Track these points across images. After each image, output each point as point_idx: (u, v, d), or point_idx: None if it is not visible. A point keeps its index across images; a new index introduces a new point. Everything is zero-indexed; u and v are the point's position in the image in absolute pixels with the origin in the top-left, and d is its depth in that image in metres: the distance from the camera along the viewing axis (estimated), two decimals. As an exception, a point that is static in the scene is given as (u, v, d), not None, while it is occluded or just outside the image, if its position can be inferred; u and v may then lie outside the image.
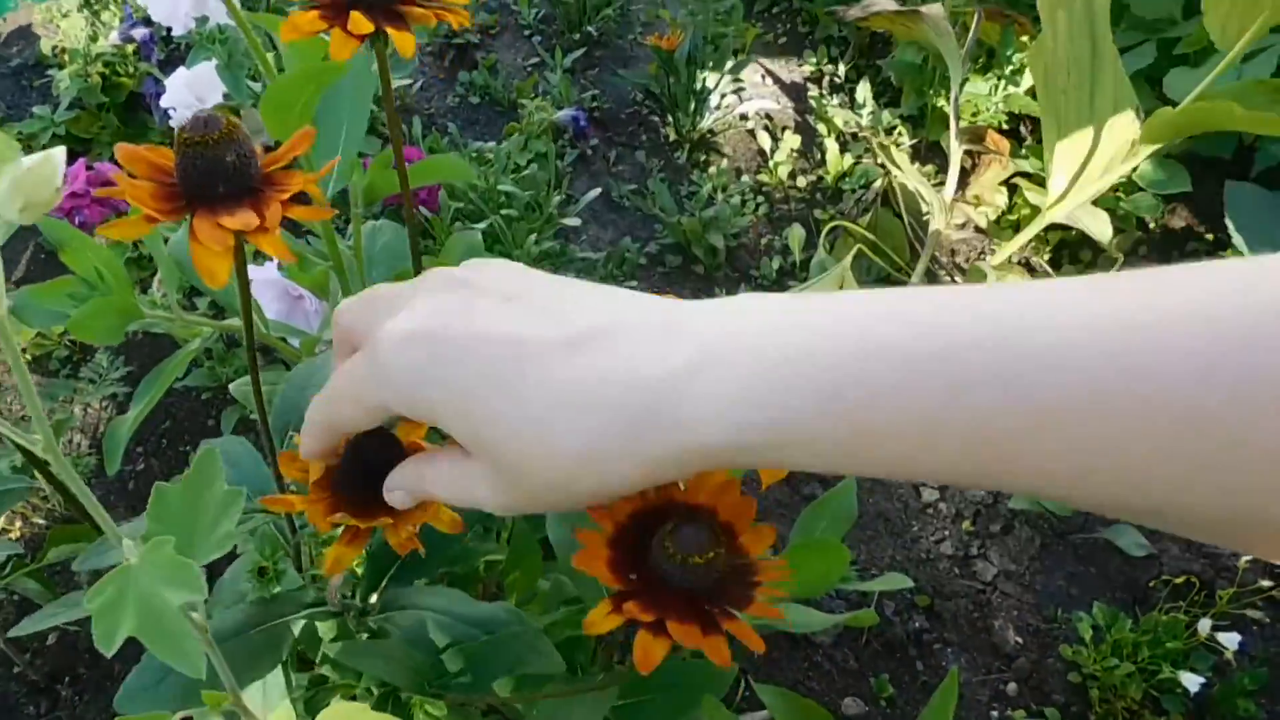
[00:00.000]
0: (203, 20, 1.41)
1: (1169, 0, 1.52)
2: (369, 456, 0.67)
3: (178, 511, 0.50)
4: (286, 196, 0.52)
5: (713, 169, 1.79)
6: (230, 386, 1.00)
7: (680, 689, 0.82)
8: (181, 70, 1.48)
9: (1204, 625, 1.07)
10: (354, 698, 0.78)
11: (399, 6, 0.59)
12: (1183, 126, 1.05)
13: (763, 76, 2.01)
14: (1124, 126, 1.17)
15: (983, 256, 1.68)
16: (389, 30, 0.57)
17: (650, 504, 0.52)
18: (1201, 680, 1.04)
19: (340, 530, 0.65)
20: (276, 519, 0.80)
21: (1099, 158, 1.17)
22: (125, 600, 0.47)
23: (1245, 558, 1.17)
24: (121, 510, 1.34)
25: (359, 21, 0.55)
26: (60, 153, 0.38)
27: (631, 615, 0.45)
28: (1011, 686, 1.19)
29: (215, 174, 0.49)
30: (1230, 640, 1.05)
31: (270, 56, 0.87)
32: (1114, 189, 1.56)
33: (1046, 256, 1.64)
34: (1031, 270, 1.61)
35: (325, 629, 0.82)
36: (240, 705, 0.65)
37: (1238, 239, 1.31)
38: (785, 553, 0.82)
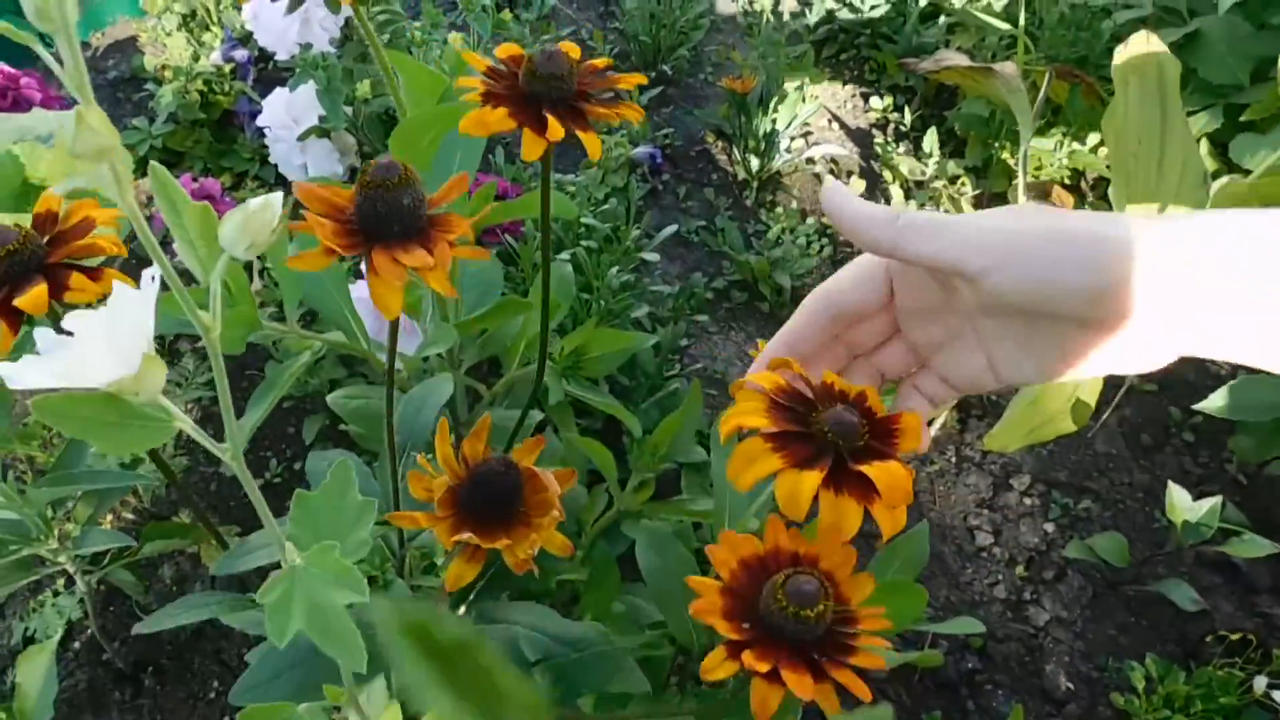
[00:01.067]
0: (308, 47, 1.48)
1: (1236, 66, 1.56)
2: (492, 481, 0.72)
3: (318, 517, 0.55)
4: (453, 238, 0.57)
5: (779, 209, 1.84)
6: (329, 398, 1.04)
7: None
8: (281, 92, 1.55)
9: (1259, 682, 1.10)
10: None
11: (581, 105, 0.61)
12: (1250, 199, 1.09)
13: (829, 121, 2.06)
14: (1192, 194, 1.21)
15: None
16: (579, 133, 0.60)
17: (759, 553, 0.56)
18: (1254, 735, 1.07)
19: (459, 548, 0.70)
20: (385, 533, 0.85)
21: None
22: (294, 598, 0.52)
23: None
24: (207, 511, 1.39)
25: (555, 128, 0.58)
26: (278, 198, 0.43)
27: (748, 665, 0.49)
28: (1061, 731, 1.23)
29: (393, 215, 0.54)
30: (1284, 698, 1.08)
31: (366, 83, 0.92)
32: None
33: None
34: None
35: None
36: (355, 703, 0.70)
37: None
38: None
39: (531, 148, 0.57)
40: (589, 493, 1.10)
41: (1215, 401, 1.28)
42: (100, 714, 1.19)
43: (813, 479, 0.44)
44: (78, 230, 0.67)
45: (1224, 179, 1.11)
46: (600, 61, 0.65)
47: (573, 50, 0.63)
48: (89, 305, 0.75)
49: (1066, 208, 1.56)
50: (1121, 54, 1.25)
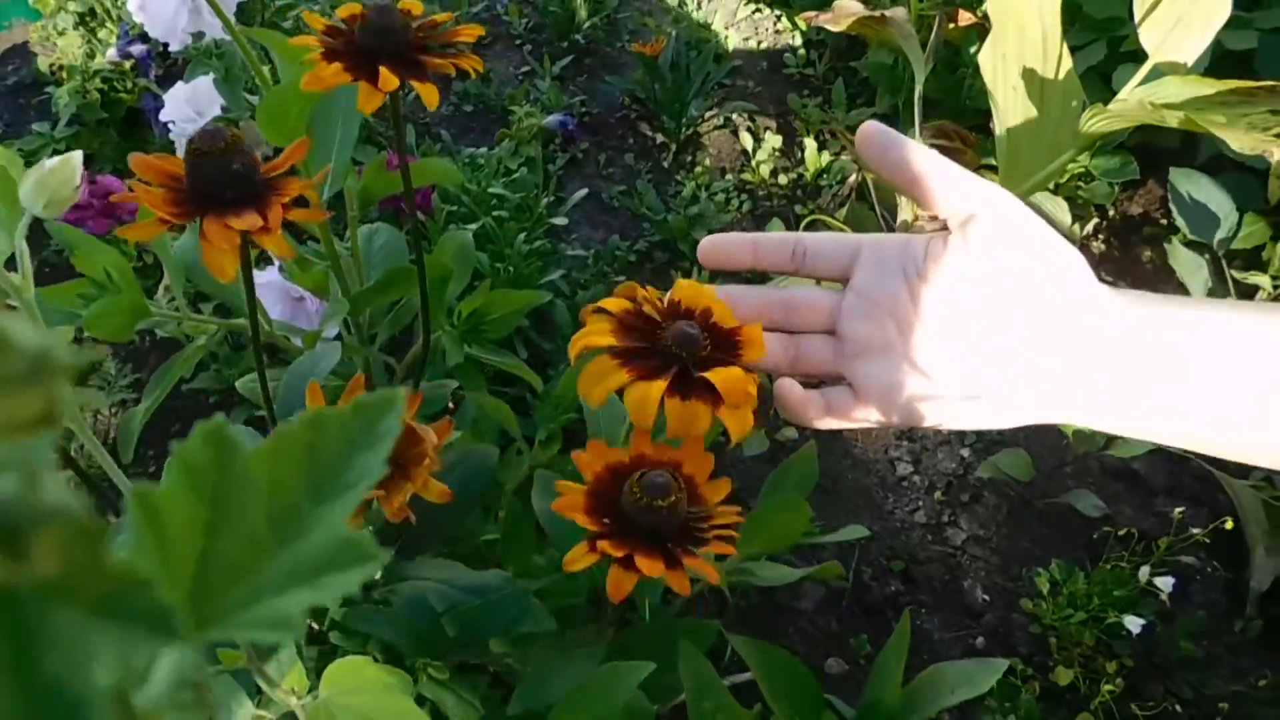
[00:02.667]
0: (199, 36, 1.48)
1: (1117, 1, 1.61)
2: None
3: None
4: (286, 200, 0.59)
5: (698, 169, 1.88)
6: (237, 384, 1.05)
7: (664, 648, 0.90)
8: (180, 85, 1.55)
9: (1143, 572, 1.16)
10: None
11: (419, 57, 0.65)
12: (1113, 124, 1.14)
13: (745, 81, 2.10)
14: (1069, 119, 1.26)
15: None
16: (415, 84, 0.63)
17: (623, 460, 0.59)
18: (1142, 622, 1.13)
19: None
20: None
21: (1046, 150, 1.26)
22: None
23: (1180, 509, 1.26)
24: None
25: (387, 79, 0.60)
26: (78, 155, 0.46)
27: (604, 551, 0.53)
28: (980, 641, 1.28)
29: (222, 180, 0.56)
30: (1165, 584, 1.14)
31: (266, 70, 0.94)
32: (1074, 178, 1.65)
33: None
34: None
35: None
36: (260, 670, 0.74)
37: (1180, 222, 1.41)
38: (753, 514, 0.91)
39: (367, 100, 0.60)
40: (504, 456, 1.14)
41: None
42: None
43: (658, 388, 0.49)
44: None
45: (1091, 108, 1.15)
46: (440, 17, 0.67)
47: (414, 6, 0.65)
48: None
49: (969, 146, 1.61)
50: (998, -12, 1.30)
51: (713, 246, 0.56)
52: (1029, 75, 1.26)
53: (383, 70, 0.60)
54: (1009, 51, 1.26)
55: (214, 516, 0.17)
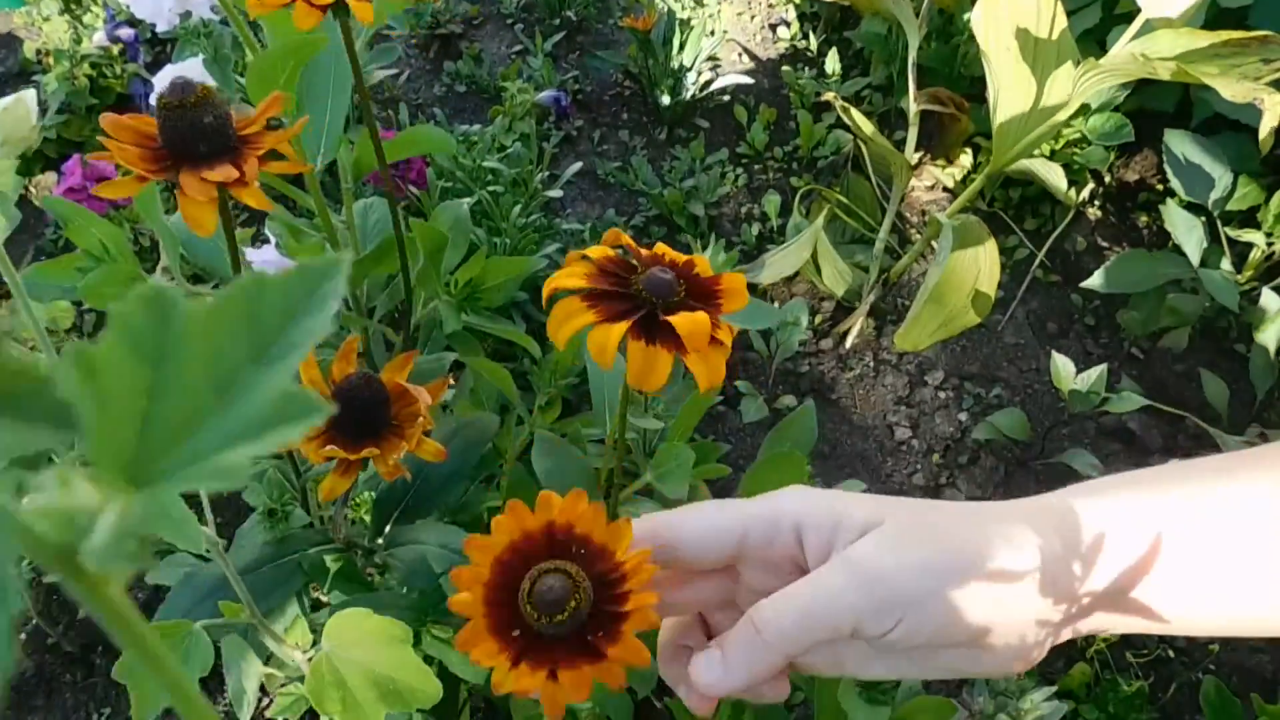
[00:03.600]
0: (186, 16, 1.49)
1: (1112, -38, 1.61)
2: (354, 396, 0.76)
3: None
4: (261, 152, 0.60)
5: (693, 143, 1.88)
6: None
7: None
8: (169, 66, 1.56)
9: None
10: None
11: None
12: (1105, 79, 1.14)
13: (739, 54, 2.09)
14: (1062, 79, 1.25)
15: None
16: (347, 1, 0.66)
17: (529, 531, 0.48)
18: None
19: (334, 464, 0.74)
20: (282, 465, 0.90)
21: (1039, 111, 1.26)
22: None
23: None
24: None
25: None
26: (31, 93, 0.46)
27: (525, 678, 0.44)
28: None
29: (196, 134, 0.57)
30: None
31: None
32: (1069, 144, 1.65)
33: (1011, 212, 1.73)
34: (998, 224, 1.70)
35: (332, 562, 0.90)
36: (262, 623, 0.75)
37: (1175, 184, 1.40)
38: (752, 468, 0.92)
39: (303, 16, 0.64)
40: (505, 423, 1.14)
41: (1096, 279, 1.33)
42: (53, 698, 1.23)
43: (619, 329, 0.47)
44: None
45: (1084, 63, 1.15)
46: None
47: None
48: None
49: (963, 113, 1.61)
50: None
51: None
52: (1023, 36, 1.26)
53: None
54: (1002, 13, 1.26)
55: (155, 378, 0.17)
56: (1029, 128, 1.27)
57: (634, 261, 0.52)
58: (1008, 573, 0.42)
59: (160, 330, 0.17)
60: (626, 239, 0.53)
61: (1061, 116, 1.22)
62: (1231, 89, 0.94)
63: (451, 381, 1.23)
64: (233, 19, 0.85)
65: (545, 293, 0.50)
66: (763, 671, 0.43)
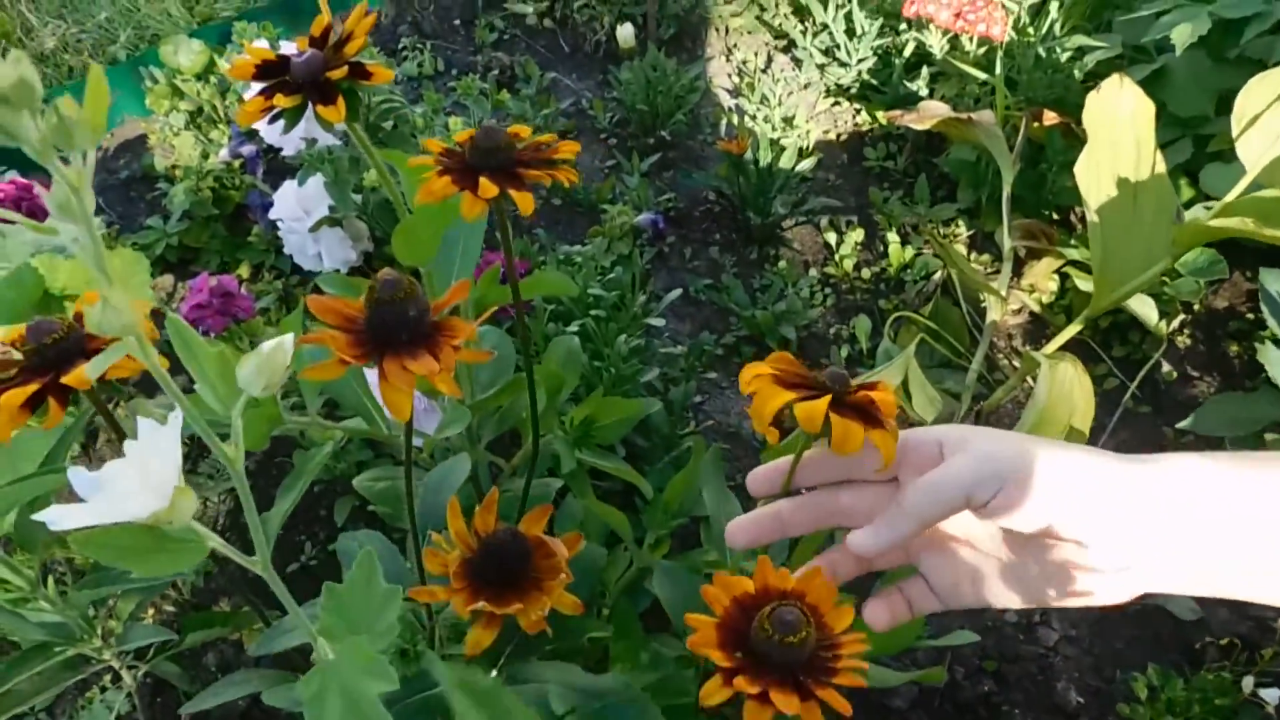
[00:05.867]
0: (313, 143, 1.56)
1: (1201, 99, 1.63)
2: (501, 551, 0.79)
3: (348, 606, 0.62)
4: (457, 343, 0.64)
5: (782, 263, 1.92)
6: (355, 482, 1.10)
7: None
8: (290, 185, 1.63)
9: (1248, 682, 1.16)
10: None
11: (518, 170, 0.72)
12: (1211, 235, 1.17)
13: (826, 172, 2.14)
14: (1165, 231, 1.28)
15: (1040, 340, 1.79)
16: (510, 192, 0.70)
17: (750, 591, 0.63)
18: (1248, 733, 1.13)
19: (477, 616, 0.77)
20: (415, 608, 0.93)
21: (1140, 256, 1.28)
22: (329, 691, 0.58)
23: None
24: (239, 598, 1.45)
25: (486, 187, 0.69)
26: (290, 339, 0.50)
27: (740, 688, 0.56)
28: (1076, 744, 1.29)
29: (400, 325, 0.61)
30: (1271, 695, 1.14)
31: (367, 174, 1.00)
32: (1160, 275, 1.67)
33: (1098, 338, 1.74)
34: (1086, 352, 1.71)
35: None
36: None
37: (1272, 324, 1.41)
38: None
39: (469, 206, 0.68)
40: (610, 553, 1.17)
41: (1191, 421, 1.35)
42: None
43: (823, 402, 0.56)
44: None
45: (1188, 213, 1.18)
46: (545, 138, 0.74)
47: (523, 130, 0.74)
48: (125, 381, 0.82)
49: (1052, 246, 1.64)
50: (1094, 99, 1.33)
51: (740, 530, 0.65)
52: (1123, 183, 1.29)
53: (483, 180, 0.68)
54: (1103, 159, 1.29)
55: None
56: (1130, 273, 1.29)
57: (803, 370, 0.61)
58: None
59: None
60: (789, 357, 0.62)
61: (1163, 267, 1.24)
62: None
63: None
64: (378, 169, 0.90)
65: (745, 383, 0.60)
66: (902, 534, 0.57)
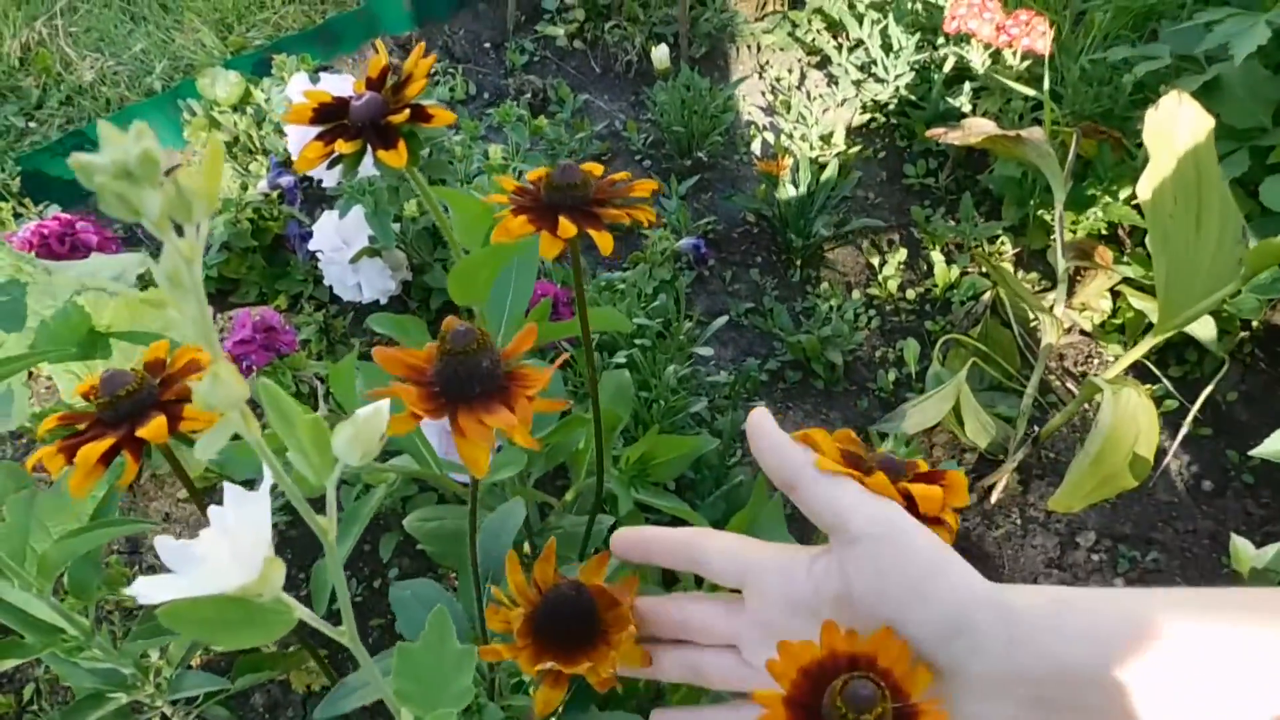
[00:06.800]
0: (353, 174, 1.54)
1: (1258, 110, 1.59)
2: (565, 606, 0.76)
3: (420, 668, 0.59)
4: (532, 393, 0.61)
5: (825, 284, 1.88)
6: (406, 523, 1.08)
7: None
8: (330, 215, 1.61)
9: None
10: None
11: (594, 209, 0.70)
12: (1282, 255, 1.13)
13: (866, 192, 2.10)
14: (1230, 251, 1.24)
15: (1090, 360, 1.75)
16: (591, 232, 0.68)
17: (817, 658, 0.59)
18: None
19: (544, 674, 0.74)
20: (479, 663, 0.90)
21: (1207, 279, 1.24)
22: None
23: None
24: (287, 638, 1.42)
25: (566, 227, 0.66)
26: (385, 406, 0.47)
27: None
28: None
29: (473, 378, 0.59)
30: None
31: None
32: (1218, 293, 1.63)
33: (1154, 357, 1.70)
34: (1144, 373, 1.67)
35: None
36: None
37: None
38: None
39: (548, 247, 0.65)
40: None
41: (1271, 445, 1.30)
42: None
43: (883, 477, 0.54)
44: (186, 371, 0.73)
45: (1256, 243, 1.14)
46: (619, 175, 0.72)
47: (595, 169, 0.71)
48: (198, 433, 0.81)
49: (1107, 265, 1.60)
50: (1152, 116, 1.29)
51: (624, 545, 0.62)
52: (1185, 203, 1.25)
53: (562, 220, 0.65)
54: (1166, 179, 1.25)
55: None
56: (1195, 295, 1.25)
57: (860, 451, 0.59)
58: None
59: None
60: (821, 434, 0.59)
61: (1231, 289, 1.20)
62: None
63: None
64: (432, 208, 0.87)
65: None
66: None
